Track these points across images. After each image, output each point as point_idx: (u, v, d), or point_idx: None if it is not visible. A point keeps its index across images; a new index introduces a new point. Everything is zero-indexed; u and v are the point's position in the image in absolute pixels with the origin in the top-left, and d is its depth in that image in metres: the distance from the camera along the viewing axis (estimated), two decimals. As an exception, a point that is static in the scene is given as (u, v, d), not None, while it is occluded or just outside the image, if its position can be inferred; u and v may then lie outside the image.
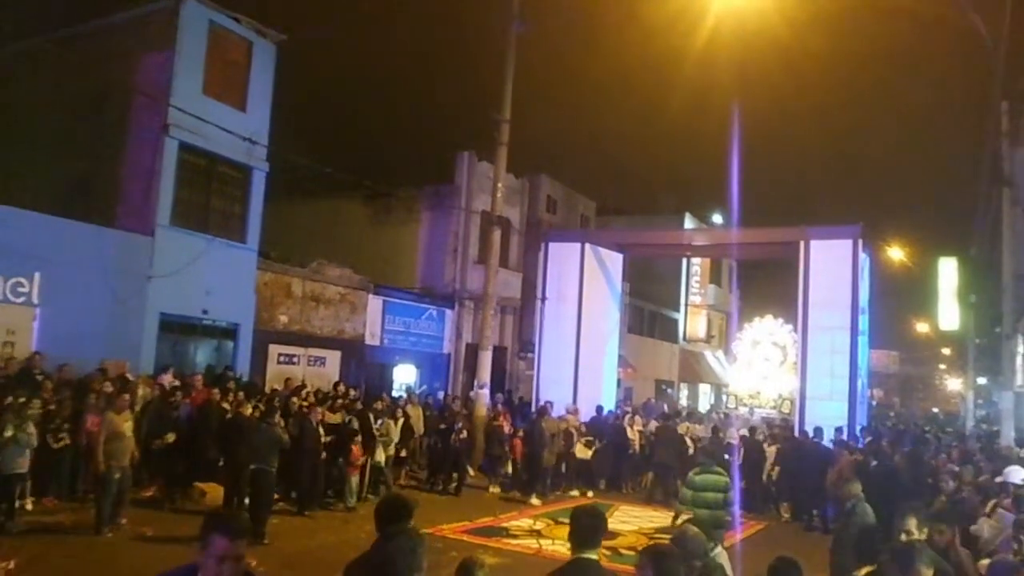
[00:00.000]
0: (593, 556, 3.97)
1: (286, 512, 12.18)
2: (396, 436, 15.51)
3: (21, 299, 13.53)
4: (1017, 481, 9.18)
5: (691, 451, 17.14)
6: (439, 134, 40.21)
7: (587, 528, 4.05)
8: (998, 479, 9.78)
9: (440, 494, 15.21)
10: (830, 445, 15.30)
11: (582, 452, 17.00)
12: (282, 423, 12.27)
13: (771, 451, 16.00)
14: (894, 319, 51.51)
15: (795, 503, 15.54)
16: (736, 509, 9.83)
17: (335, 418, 14.08)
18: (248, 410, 12.52)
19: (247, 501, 11.16)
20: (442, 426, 16.10)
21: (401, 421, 15.93)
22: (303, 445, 12.57)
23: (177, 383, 13.73)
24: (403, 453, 16.29)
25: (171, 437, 12.20)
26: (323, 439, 13.07)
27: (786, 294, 21.53)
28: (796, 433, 17.03)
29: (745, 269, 42.01)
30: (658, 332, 36.19)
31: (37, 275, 13.65)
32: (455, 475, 15.76)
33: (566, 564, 3.99)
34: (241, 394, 13.42)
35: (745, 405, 22.31)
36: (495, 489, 16.19)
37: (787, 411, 19.78)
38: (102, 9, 17.27)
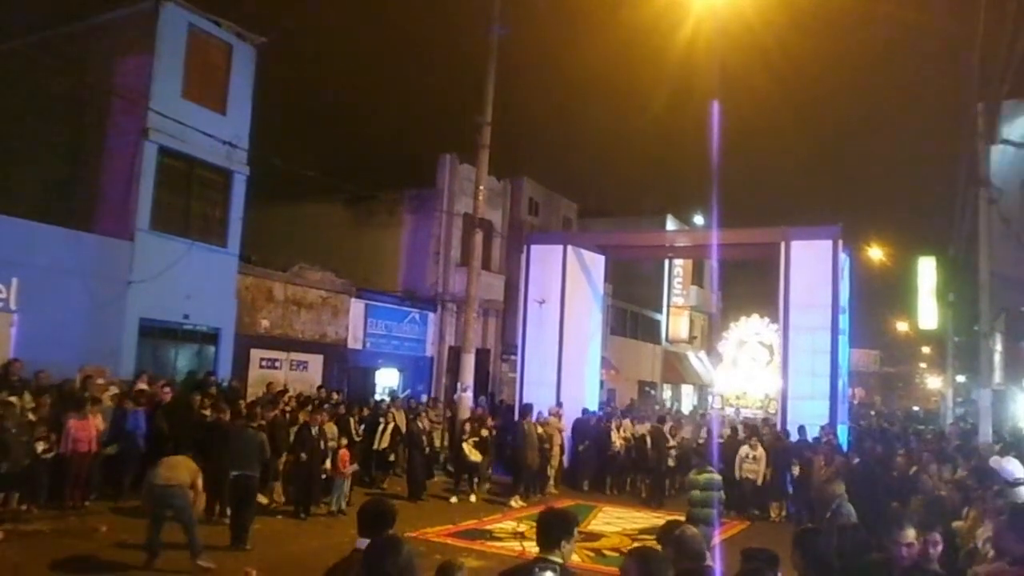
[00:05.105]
0: None
1: (269, 514, 12.14)
2: (386, 441, 15.70)
3: (-2, 305, 13.39)
4: (1011, 475, 9.16)
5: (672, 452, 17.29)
6: (421, 137, 40.19)
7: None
8: (991, 460, 9.86)
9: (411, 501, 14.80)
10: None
11: (472, 454, 15.93)
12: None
13: (745, 450, 15.94)
14: (874, 318, 51.95)
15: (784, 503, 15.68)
16: (718, 508, 9.95)
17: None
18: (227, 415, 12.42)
19: (229, 508, 11.12)
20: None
21: (391, 426, 15.93)
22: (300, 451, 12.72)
23: (143, 388, 13.58)
24: (392, 458, 16.31)
25: (111, 449, 12.08)
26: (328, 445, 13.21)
27: (768, 294, 21.59)
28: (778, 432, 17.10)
29: (727, 270, 42.24)
30: (641, 333, 36.30)
31: (14, 280, 13.51)
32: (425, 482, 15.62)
33: None
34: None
35: (731, 406, 22.25)
36: (454, 499, 15.50)
37: (773, 411, 19.80)
38: (80, 12, 17.12)
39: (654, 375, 37.31)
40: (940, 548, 5.16)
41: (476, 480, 16.15)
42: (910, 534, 4.86)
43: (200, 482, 9.62)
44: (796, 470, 15.20)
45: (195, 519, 9.46)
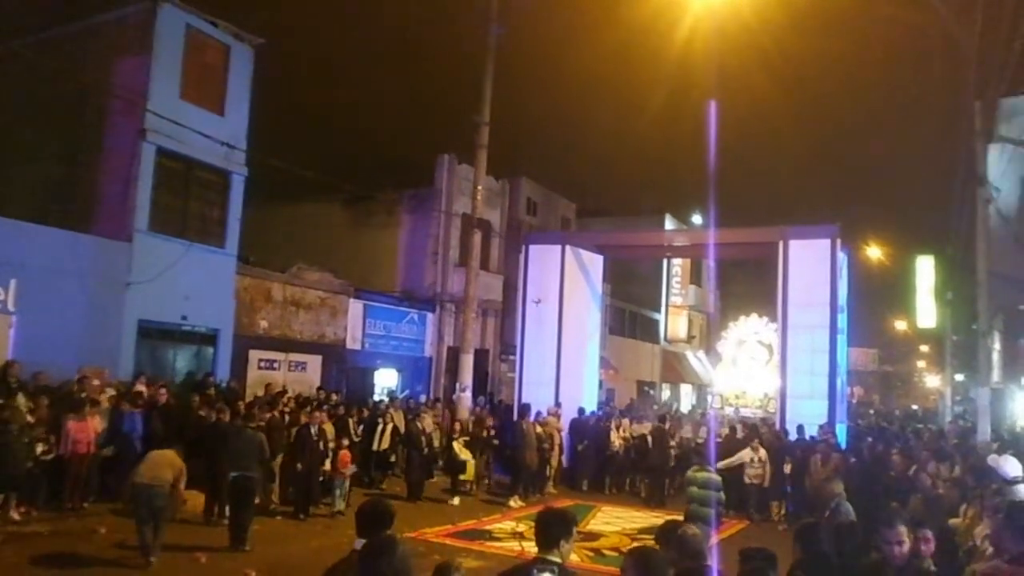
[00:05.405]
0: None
1: (269, 514, 12.13)
2: (386, 442, 15.70)
3: (-4, 307, 13.36)
4: (1008, 474, 9.16)
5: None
6: (419, 137, 40.23)
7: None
8: (989, 459, 9.86)
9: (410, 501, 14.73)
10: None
11: (461, 452, 15.72)
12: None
13: (748, 454, 15.85)
14: (873, 317, 51.95)
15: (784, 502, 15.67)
16: (716, 508, 9.97)
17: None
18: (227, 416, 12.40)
19: (228, 508, 11.12)
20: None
21: (391, 427, 15.93)
22: (300, 451, 12.74)
23: (141, 389, 13.56)
24: (392, 459, 16.31)
25: (108, 451, 12.07)
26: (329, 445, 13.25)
27: (766, 294, 21.60)
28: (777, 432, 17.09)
29: (726, 269, 42.27)
30: (639, 333, 36.30)
31: (12, 282, 13.49)
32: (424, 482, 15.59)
33: None
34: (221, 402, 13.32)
35: (730, 405, 22.24)
36: (455, 500, 15.29)
37: (773, 411, 19.80)
38: (78, 12, 17.10)
39: (653, 375, 37.30)
40: (932, 545, 5.15)
41: (467, 480, 15.97)
42: (901, 532, 4.78)
43: (183, 481, 9.67)
44: (788, 468, 15.22)
45: (168, 521, 9.62)
